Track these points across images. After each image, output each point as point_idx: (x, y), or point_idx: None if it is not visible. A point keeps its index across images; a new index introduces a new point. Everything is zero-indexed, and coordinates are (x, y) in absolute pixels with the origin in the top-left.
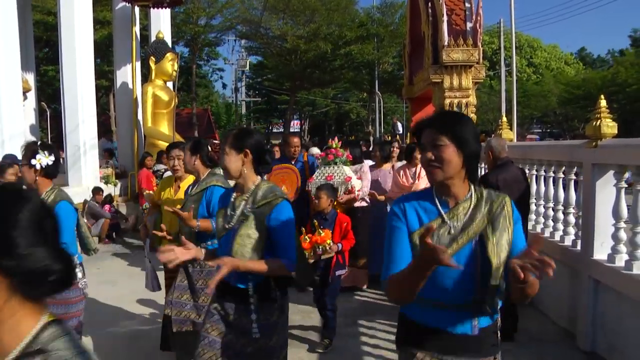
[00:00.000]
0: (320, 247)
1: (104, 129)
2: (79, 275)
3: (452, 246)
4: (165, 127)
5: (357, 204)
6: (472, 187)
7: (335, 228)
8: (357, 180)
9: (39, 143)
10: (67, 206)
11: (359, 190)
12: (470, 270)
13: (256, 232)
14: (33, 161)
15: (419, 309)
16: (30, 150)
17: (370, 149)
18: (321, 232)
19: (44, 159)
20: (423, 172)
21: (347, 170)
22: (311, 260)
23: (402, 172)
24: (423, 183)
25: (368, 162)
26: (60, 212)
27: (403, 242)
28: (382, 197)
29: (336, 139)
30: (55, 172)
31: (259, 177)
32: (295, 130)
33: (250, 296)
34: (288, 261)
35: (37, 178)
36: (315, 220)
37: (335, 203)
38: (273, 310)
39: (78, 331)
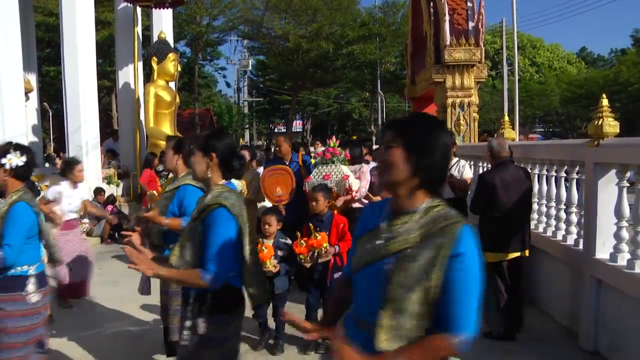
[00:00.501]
0: (316, 250)
1: (110, 130)
2: (29, 287)
3: (370, 256)
4: (167, 127)
5: (355, 205)
6: (428, 201)
7: (332, 229)
8: (355, 179)
9: (13, 144)
10: (24, 208)
11: (356, 191)
12: (377, 287)
13: (193, 239)
14: (3, 160)
15: (347, 322)
16: (3, 149)
17: (374, 148)
18: (317, 235)
19: (14, 159)
20: None
21: (345, 169)
22: (308, 264)
23: None
24: None
25: (372, 164)
26: (13, 213)
27: (353, 247)
28: (377, 198)
29: (334, 137)
30: (26, 174)
31: (222, 182)
32: (298, 130)
33: (189, 304)
34: (207, 274)
35: (6, 178)
36: (310, 224)
37: (331, 203)
38: (204, 324)
39: (40, 344)
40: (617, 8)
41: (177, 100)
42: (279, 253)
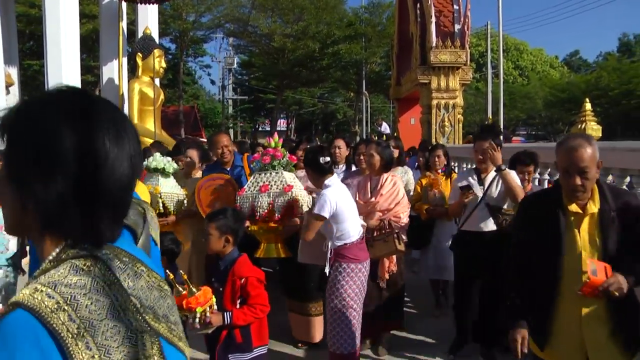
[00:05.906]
0: (191, 315)
1: None
2: None
3: None
4: (152, 124)
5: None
6: (57, 252)
7: (227, 285)
8: (303, 191)
9: None
10: None
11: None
12: None
13: None
14: None
15: None
16: None
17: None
18: (194, 290)
19: None
20: (388, 186)
21: (289, 177)
22: (197, 327)
23: (362, 185)
24: (386, 202)
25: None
26: None
27: None
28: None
29: (276, 135)
30: None
31: None
32: (282, 129)
33: None
34: None
35: None
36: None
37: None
38: None
39: None
40: (613, 9)
41: (162, 97)
42: None
